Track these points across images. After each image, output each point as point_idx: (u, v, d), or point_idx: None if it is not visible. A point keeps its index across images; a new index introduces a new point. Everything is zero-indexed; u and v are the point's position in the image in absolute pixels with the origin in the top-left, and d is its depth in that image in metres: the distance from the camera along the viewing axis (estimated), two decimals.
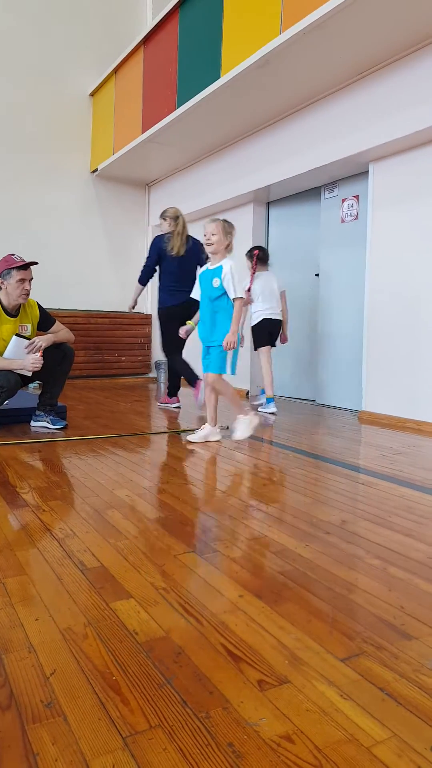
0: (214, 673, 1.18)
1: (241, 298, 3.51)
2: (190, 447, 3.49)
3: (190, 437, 3.64)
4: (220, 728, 1.02)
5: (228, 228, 3.54)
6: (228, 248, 3.56)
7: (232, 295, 3.49)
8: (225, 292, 3.51)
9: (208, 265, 3.63)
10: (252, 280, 4.89)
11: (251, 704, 1.08)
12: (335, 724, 1.03)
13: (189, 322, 3.99)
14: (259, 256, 4.94)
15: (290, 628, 1.36)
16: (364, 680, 1.16)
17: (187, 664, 1.21)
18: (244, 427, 3.64)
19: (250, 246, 6.02)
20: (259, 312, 4.87)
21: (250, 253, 5.02)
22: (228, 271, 3.48)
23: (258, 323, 4.89)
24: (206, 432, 3.64)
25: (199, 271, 3.72)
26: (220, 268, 3.52)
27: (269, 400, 4.87)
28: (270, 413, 4.80)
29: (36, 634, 1.33)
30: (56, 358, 3.83)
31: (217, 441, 3.64)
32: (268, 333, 4.91)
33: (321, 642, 1.30)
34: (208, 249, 3.56)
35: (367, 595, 1.54)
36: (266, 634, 1.33)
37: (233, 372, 3.55)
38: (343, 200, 5.17)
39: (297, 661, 1.22)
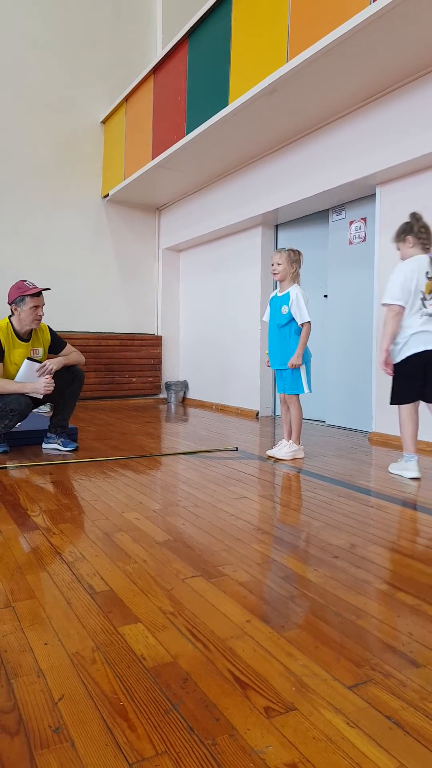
0: (221, 699, 1.18)
1: (309, 322, 3.72)
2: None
3: (273, 453, 3.82)
4: (226, 756, 1.02)
5: (294, 257, 3.80)
6: (295, 275, 3.82)
7: (299, 321, 3.72)
8: (293, 318, 3.75)
9: (277, 292, 3.89)
10: None
11: (258, 731, 1.08)
12: (342, 753, 1.03)
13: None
14: None
15: (298, 654, 1.36)
16: (371, 708, 1.16)
17: (194, 690, 1.21)
18: (287, 450, 3.81)
19: (258, 269, 6.11)
20: None
21: None
22: (295, 298, 3.73)
23: None
24: (293, 449, 3.80)
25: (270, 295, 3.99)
26: (287, 295, 3.77)
27: None
28: None
29: (45, 658, 1.34)
30: (67, 380, 3.87)
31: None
32: None
33: (328, 669, 1.30)
34: (275, 277, 3.84)
35: (375, 621, 1.54)
36: (273, 660, 1.34)
37: (310, 390, 3.80)
38: (351, 222, 5.22)
39: (304, 688, 1.22)
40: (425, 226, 3.27)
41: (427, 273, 3.19)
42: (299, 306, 3.71)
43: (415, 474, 3.28)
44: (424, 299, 3.17)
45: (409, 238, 3.26)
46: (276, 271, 3.80)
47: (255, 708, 1.15)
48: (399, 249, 3.36)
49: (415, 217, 3.31)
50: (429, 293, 3.17)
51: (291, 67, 3.86)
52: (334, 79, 4.02)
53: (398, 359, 3.27)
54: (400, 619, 1.55)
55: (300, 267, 3.85)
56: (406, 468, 3.34)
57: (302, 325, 3.73)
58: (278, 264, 3.78)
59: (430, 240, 3.27)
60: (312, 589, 1.73)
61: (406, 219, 3.35)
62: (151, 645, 1.40)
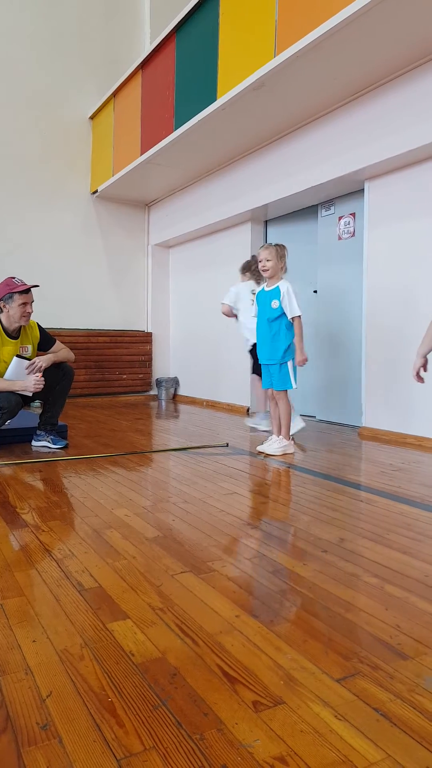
0: (209, 694, 1.18)
1: (300, 315, 3.73)
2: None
3: (263, 448, 3.80)
4: (214, 750, 1.02)
5: (281, 251, 3.80)
6: (283, 270, 3.82)
7: (290, 315, 3.72)
8: (283, 313, 3.74)
9: (264, 287, 3.88)
10: None
11: (246, 725, 1.09)
12: (329, 746, 1.03)
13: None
14: None
15: (286, 648, 1.37)
16: (359, 701, 1.17)
17: (183, 685, 1.21)
18: (277, 446, 3.79)
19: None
20: None
21: None
22: (285, 291, 3.72)
23: None
24: (284, 444, 3.79)
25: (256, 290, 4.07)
26: (278, 289, 3.76)
27: None
28: None
29: (33, 655, 1.33)
30: (56, 377, 3.86)
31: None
32: None
33: (316, 662, 1.31)
34: (264, 274, 3.83)
35: (363, 614, 1.55)
36: (262, 654, 1.34)
37: (296, 384, 3.81)
38: (340, 218, 5.22)
39: (292, 682, 1.23)
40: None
41: (252, 291, 4.55)
42: (290, 300, 3.70)
43: (268, 427, 4.58)
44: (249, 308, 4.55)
45: (247, 273, 4.79)
46: (266, 268, 3.78)
47: (243, 702, 1.16)
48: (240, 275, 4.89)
49: (255, 258, 4.41)
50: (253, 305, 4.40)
51: (279, 62, 3.85)
52: (322, 74, 4.02)
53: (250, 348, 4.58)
54: (389, 612, 1.56)
55: (286, 262, 3.85)
56: (263, 421, 4.73)
57: (293, 319, 3.72)
58: (267, 260, 3.77)
59: (261, 276, 4.39)
60: (301, 584, 1.74)
61: (248, 258, 4.97)
62: (140, 641, 1.40)
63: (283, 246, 3.85)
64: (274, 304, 3.75)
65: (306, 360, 3.74)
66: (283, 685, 1.21)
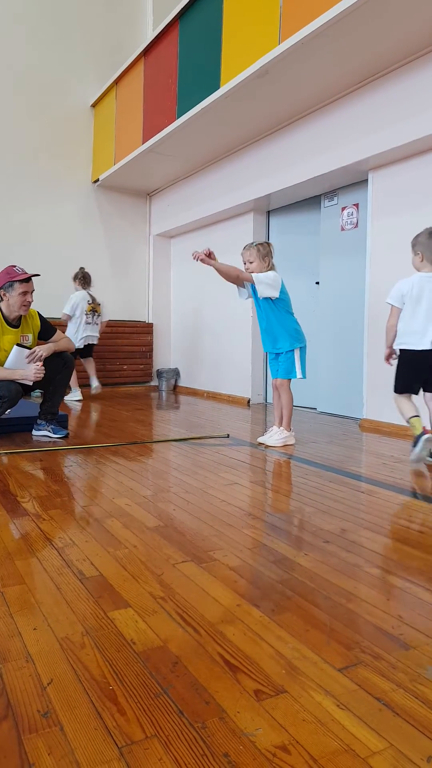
0: (210, 682, 1.18)
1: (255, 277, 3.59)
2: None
3: (264, 440, 3.79)
4: (216, 738, 1.02)
5: (263, 250, 3.70)
6: (268, 267, 3.71)
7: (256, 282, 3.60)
8: (277, 303, 3.66)
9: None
10: None
11: (248, 714, 1.08)
12: (331, 735, 1.03)
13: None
14: None
15: (288, 637, 1.36)
16: (361, 690, 1.16)
17: (184, 673, 1.21)
18: (278, 437, 3.78)
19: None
20: None
21: None
22: (263, 277, 3.61)
23: None
24: (284, 436, 3.77)
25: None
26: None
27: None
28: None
29: (34, 643, 1.33)
30: (56, 366, 3.84)
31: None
32: None
33: (318, 652, 1.30)
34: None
35: (365, 605, 1.54)
36: (264, 643, 1.33)
37: (304, 376, 3.76)
38: (343, 208, 5.19)
39: (294, 671, 1.22)
40: (86, 275, 6.17)
41: (88, 301, 6.05)
42: (258, 277, 3.57)
43: (80, 396, 6.17)
44: (86, 314, 6.04)
45: (76, 281, 6.13)
46: (250, 270, 3.68)
47: (245, 691, 1.15)
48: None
49: (82, 271, 6.16)
50: (90, 311, 6.06)
51: (283, 49, 3.81)
52: (326, 62, 3.98)
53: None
54: (390, 602, 1.56)
55: (272, 258, 3.74)
56: (76, 395, 6.12)
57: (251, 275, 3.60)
58: (250, 262, 3.68)
59: (88, 283, 6.16)
60: (302, 574, 1.73)
61: (76, 270, 6.23)
62: (141, 629, 1.39)
63: (267, 243, 3.74)
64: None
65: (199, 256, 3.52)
66: (284, 674, 1.21)
